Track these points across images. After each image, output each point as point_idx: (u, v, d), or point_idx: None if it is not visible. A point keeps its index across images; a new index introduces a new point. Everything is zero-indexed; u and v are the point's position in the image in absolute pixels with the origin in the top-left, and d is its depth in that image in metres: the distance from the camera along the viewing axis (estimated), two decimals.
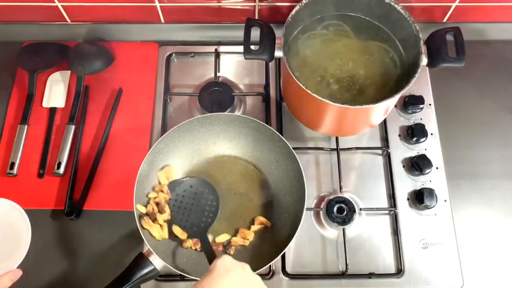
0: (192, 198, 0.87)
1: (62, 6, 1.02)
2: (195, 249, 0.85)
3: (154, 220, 0.83)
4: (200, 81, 1.03)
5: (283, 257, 0.87)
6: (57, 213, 0.91)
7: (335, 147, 0.95)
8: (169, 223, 0.85)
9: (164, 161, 0.88)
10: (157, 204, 0.85)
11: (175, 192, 0.87)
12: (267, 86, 1.02)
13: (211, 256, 0.77)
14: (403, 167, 0.95)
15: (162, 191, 0.86)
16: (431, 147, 0.96)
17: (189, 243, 0.85)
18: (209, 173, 0.92)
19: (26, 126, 0.97)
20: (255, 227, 0.87)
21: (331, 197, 0.90)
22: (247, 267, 0.68)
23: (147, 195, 0.85)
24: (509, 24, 1.08)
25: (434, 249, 0.89)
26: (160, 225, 0.84)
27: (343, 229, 0.88)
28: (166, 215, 0.85)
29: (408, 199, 0.93)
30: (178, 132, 0.87)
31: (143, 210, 0.83)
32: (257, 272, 0.76)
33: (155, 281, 0.85)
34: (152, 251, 0.76)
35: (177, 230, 0.85)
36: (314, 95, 0.75)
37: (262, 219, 0.87)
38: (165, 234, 0.84)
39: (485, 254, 0.90)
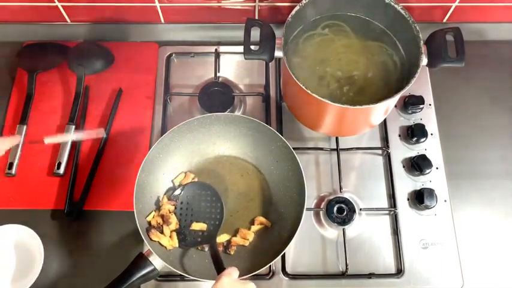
0: (196, 203, 0.87)
1: (62, 6, 1.02)
2: (197, 249, 0.85)
3: (162, 232, 0.83)
4: (200, 81, 1.03)
5: (283, 257, 0.87)
6: (57, 213, 0.91)
7: (335, 147, 0.95)
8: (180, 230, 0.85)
9: (164, 161, 0.88)
10: (162, 216, 0.84)
11: (179, 200, 0.87)
12: (267, 86, 1.02)
13: (218, 265, 0.76)
14: (403, 167, 0.95)
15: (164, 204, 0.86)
16: (431, 147, 0.96)
17: None
18: (209, 173, 0.92)
19: (25, 127, 0.96)
20: (255, 227, 0.87)
21: (331, 197, 0.90)
22: (248, 285, 0.68)
23: (146, 217, 0.85)
24: (509, 24, 1.08)
25: (434, 249, 0.89)
26: (169, 236, 0.84)
27: (343, 229, 0.88)
28: (174, 225, 0.84)
29: (408, 199, 0.93)
30: (178, 132, 0.87)
31: (149, 219, 0.84)
32: (257, 272, 0.77)
33: (155, 281, 0.85)
34: (152, 251, 0.76)
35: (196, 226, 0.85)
36: (314, 95, 0.75)
37: (262, 219, 0.87)
38: (175, 243, 0.83)
39: (485, 254, 0.90)
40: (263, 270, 0.80)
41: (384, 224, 0.91)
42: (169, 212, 0.85)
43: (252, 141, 0.91)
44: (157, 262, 0.76)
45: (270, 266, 0.87)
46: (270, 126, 0.90)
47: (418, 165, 0.92)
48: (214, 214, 0.86)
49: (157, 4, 1.01)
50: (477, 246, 0.90)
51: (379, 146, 0.97)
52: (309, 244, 0.89)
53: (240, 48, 0.83)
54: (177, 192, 0.88)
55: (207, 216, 0.86)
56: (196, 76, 1.04)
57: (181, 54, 1.06)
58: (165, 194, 0.88)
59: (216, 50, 1.04)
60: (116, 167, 0.95)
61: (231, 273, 0.69)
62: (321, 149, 0.96)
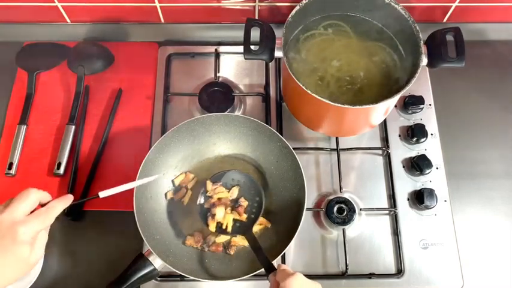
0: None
1: (62, 6, 1.02)
2: (197, 248, 0.85)
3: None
4: (200, 81, 1.03)
5: (283, 257, 0.87)
6: None
7: (335, 147, 0.95)
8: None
9: (164, 162, 0.88)
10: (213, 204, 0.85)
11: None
12: (267, 86, 1.02)
13: (262, 256, 0.74)
14: (403, 167, 0.95)
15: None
16: (431, 147, 0.96)
17: (191, 241, 0.85)
18: (209, 173, 0.92)
19: (25, 126, 0.96)
20: (255, 227, 0.87)
21: (331, 197, 0.90)
22: (318, 285, 0.67)
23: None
24: (509, 24, 1.08)
25: (434, 249, 0.89)
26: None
27: (343, 229, 0.88)
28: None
29: (408, 199, 0.93)
30: (178, 132, 0.87)
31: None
32: (257, 272, 0.77)
33: (155, 281, 0.85)
34: (152, 251, 0.76)
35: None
36: (314, 95, 0.75)
37: (262, 219, 0.87)
38: (213, 227, 0.83)
39: (485, 254, 0.90)
40: (263, 270, 0.80)
41: (384, 224, 0.91)
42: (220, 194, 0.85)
43: (252, 141, 0.91)
44: (157, 262, 0.77)
45: None
46: (270, 126, 0.90)
47: (418, 165, 0.92)
48: (250, 207, 0.85)
49: (157, 4, 1.01)
50: (477, 246, 0.90)
51: (379, 146, 0.97)
52: (309, 244, 0.89)
53: (240, 48, 0.83)
54: (216, 177, 0.87)
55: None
56: (196, 76, 1.04)
57: (181, 54, 1.06)
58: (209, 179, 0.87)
59: (216, 50, 1.04)
60: (116, 167, 0.95)
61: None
62: (321, 149, 0.96)
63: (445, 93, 1.02)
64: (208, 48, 1.06)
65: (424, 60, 0.79)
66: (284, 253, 0.83)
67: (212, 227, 0.83)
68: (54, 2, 1.00)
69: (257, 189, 0.86)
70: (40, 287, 0.84)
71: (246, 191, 0.86)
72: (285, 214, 0.86)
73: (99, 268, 0.87)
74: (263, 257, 0.74)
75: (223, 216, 0.83)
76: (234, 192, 0.86)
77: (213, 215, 0.83)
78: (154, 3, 1.01)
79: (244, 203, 0.85)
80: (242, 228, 0.83)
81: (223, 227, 0.83)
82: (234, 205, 0.85)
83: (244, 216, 0.84)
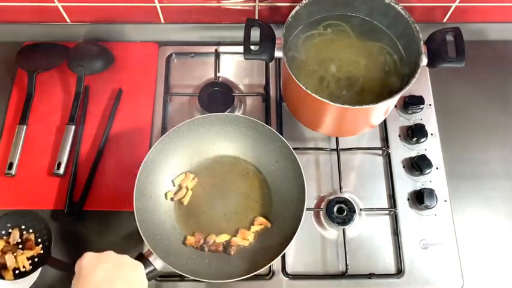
0: None
1: (62, 6, 1.02)
2: (197, 248, 0.85)
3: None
4: (200, 81, 1.03)
5: (283, 257, 0.87)
6: (57, 213, 0.91)
7: (335, 147, 0.95)
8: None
9: (164, 162, 0.88)
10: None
11: None
12: (267, 86, 1.02)
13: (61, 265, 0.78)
14: (403, 167, 0.95)
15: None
16: (431, 147, 0.96)
17: (191, 241, 0.85)
18: (209, 173, 0.92)
19: (25, 127, 0.96)
20: (255, 227, 0.87)
21: (331, 197, 0.90)
22: (108, 252, 0.73)
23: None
24: (509, 24, 1.08)
25: (434, 249, 0.89)
26: None
27: (343, 229, 0.88)
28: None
29: (408, 199, 0.93)
30: (178, 132, 0.87)
31: None
32: (257, 272, 0.77)
33: (155, 281, 0.85)
34: (152, 251, 0.76)
35: None
36: (314, 95, 0.75)
37: (262, 219, 0.87)
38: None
39: (485, 254, 0.90)
40: (263, 270, 0.80)
41: (384, 224, 0.91)
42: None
43: (252, 141, 0.91)
44: (157, 262, 0.77)
45: (270, 266, 0.87)
46: (270, 126, 0.90)
47: (418, 165, 0.92)
48: (40, 235, 0.80)
49: (157, 4, 1.01)
50: (477, 246, 0.90)
51: (379, 146, 0.97)
52: (309, 244, 0.89)
53: (240, 48, 0.83)
54: None
55: None
56: (196, 76, 1.04)
57: (181, 54, 1.06)
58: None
59: (216, 50, 1.04)
60: (116, 167, 0.95)
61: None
62: (321, 149, 0.96)
63: (445, 93, 1.02)
64: (208, 48, 1.05)
65: (424, 60, 0.79)
66: (284, 253, 0.83)
67: (10, 276, 0.78)
68: (54, 2, 1.00)
69: (35, 216, 0.81)
70: (40, 287, 0.84)
71: (29, 225, 0.81)
72: (285, 214, 0.87)
73: None
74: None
75: (14, 261, 0.78)
76: (15, 235, 0.80)
77: (5, 266, 0.78)
78: (154, 3, 1.01)
79: (30, 236, 0.80)
80: (42, 258, 0.79)
81: (22, 269, 0.78)
82: (22, 244, 0.80)
83: (38, 248, 0.80)
